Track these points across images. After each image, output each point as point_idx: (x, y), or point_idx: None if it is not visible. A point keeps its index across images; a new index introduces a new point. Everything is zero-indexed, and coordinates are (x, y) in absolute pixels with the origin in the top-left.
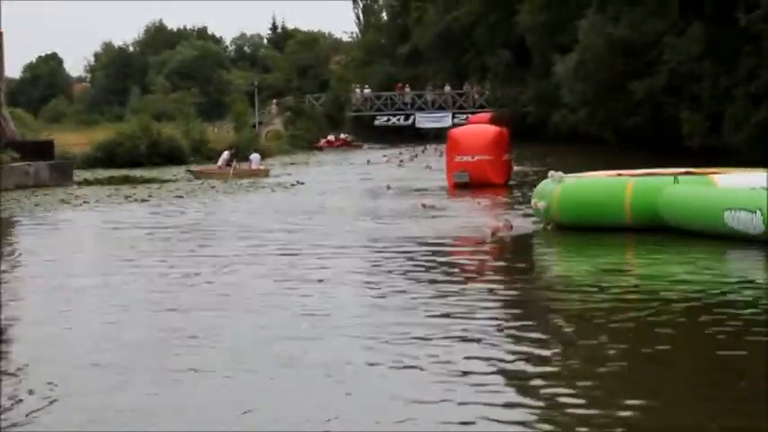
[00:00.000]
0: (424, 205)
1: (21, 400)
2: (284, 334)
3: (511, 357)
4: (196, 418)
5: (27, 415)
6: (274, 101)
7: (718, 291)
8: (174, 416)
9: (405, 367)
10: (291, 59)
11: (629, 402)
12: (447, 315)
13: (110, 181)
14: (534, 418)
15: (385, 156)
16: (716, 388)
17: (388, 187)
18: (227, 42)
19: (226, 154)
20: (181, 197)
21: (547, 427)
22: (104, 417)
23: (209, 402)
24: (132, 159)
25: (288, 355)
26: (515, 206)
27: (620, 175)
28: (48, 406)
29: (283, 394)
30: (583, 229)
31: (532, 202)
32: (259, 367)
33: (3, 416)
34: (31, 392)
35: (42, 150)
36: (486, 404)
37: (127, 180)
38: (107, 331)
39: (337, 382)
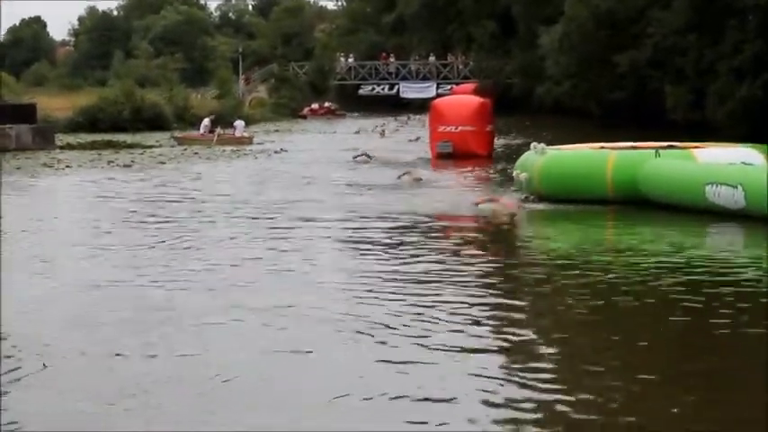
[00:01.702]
0: (410, 176)
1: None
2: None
3: (516, 336)
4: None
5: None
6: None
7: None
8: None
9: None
10: (276, 27)
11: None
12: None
13: (92, 146)
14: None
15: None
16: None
17: (369, 156)
18: (212, 8)
19: (206, 121)
20: (163, 163)
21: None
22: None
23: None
24: (115, 124)
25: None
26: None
27: (602, 148)
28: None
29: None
30: (563, 201)
31: (514, 173)
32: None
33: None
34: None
35: (25, 114)
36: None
37: (109, 145)
38: (99, 300)
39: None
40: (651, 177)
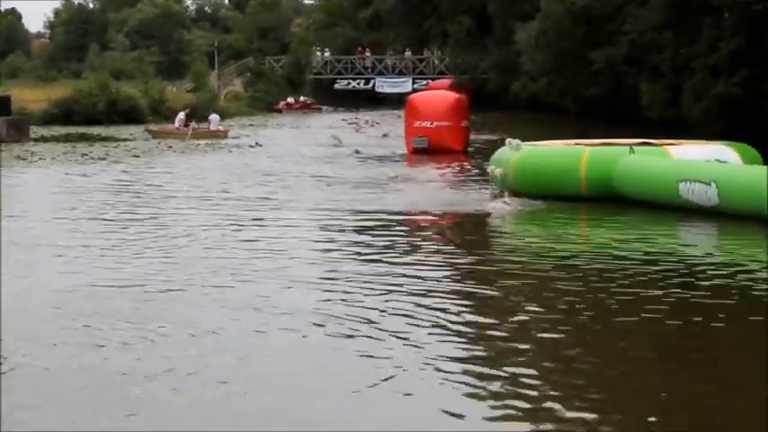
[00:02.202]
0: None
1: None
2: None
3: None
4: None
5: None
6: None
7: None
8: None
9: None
10: (252, 20)
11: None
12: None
13: (66, 138)
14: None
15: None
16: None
17: (357, 152)
18: (188, 2)
19: (181, 114)
20: (137, 156)
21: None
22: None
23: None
24: (90, 117)
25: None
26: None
27: (577, 144)
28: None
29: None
30: (538, 197)
31: (489, 168)
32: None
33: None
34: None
35: None
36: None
37: (84, 138)
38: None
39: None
40: (625, 174)
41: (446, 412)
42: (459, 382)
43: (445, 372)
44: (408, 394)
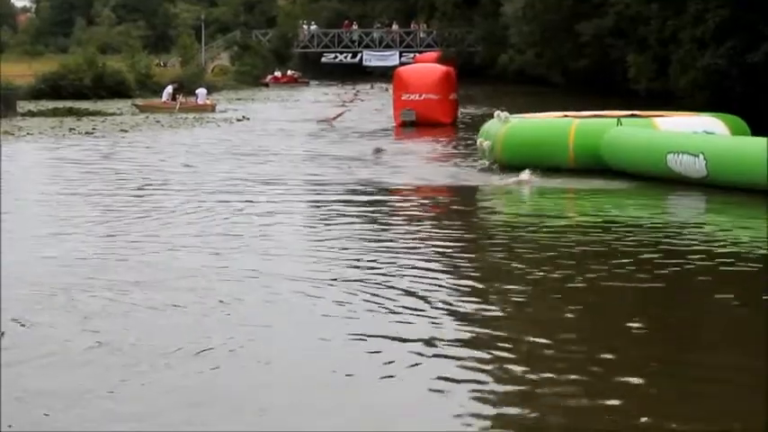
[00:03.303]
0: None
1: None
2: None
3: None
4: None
5: None
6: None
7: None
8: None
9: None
10: None
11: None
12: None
13: (54, 113)
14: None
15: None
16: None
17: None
18: None
19: (169, 88)
20: (125, 131)
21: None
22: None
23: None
24: (77, 92)
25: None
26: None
27: (565, 116)
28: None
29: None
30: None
31: (477, 141)
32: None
33: None
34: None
35: None
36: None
37: (71, 112)
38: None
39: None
40: (613, 146)
41: (432, 390)
42: (452, 364)
43: (435, 354)
44: (392, 376)
